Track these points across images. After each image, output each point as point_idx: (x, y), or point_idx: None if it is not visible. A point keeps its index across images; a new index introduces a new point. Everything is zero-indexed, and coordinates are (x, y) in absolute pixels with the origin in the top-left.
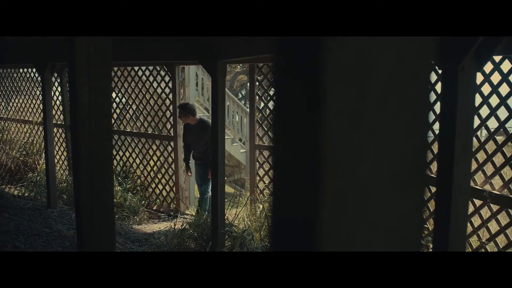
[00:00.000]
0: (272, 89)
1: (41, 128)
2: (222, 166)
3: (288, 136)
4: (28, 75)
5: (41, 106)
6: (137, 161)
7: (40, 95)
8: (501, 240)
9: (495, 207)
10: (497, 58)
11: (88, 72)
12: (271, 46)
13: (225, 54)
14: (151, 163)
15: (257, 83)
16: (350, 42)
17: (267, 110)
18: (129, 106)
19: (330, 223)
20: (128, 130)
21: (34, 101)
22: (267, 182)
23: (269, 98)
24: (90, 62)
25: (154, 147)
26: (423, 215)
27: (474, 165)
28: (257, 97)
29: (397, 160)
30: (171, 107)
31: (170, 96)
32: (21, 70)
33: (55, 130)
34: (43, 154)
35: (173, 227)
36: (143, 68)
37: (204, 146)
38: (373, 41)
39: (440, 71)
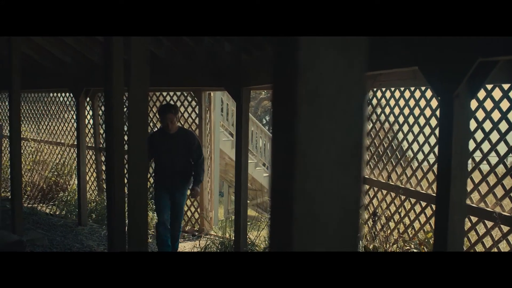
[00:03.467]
0: None
1: (72, 150)
2: (245, 187)
3: (278, 139)
4: (58, 99)
5: (71, 128)
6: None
7: (71, 118)
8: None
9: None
10: (489, 86)
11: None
12: None
13: (249, 81)
14: None
15: None
16: (311, 77)
17: None
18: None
19: (298, 192)
20: None
21: (65, 124)
22: None
23: None
24: (130, 88)
25: None
26: (360, 187)
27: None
28: None
29: (341, 149)
30: (197, 131)
31: (197, 120)
32: (51, 95)
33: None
34: (74, 174)
35: (197, 245)
36: (171, 93)
37: (185, 158)
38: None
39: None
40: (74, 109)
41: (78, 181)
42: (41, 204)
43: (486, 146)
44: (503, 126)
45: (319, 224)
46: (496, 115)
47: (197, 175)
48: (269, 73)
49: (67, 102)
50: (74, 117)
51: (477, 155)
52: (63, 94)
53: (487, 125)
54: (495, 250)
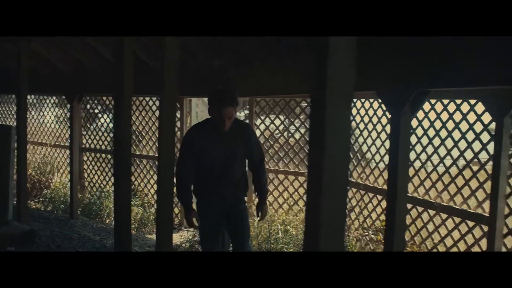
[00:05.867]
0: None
1: (53, 150)
2: None
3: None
4: (37, 102)
5: (54, 129)
6: (145, 180)
7: (53, 120)
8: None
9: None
10: (433, 101)
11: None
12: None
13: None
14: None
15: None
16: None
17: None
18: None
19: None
20: (138, 153)
21: (46, 125)
22: None
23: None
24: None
25: None
26: (347, 180)
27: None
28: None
29: (339, 153)
30: (178, 134)
31: (178, 124)
32: (32, 97)
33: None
34: (56, 173)
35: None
36: (154, 98)
37: (241, 162)
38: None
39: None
40: (56, 110)
41: (70, 179)
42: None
43: (430, 150)
44: (443, 133)
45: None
46: (438, 124)
47: (262, 185)
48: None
49: (48, 104)
50: (53, 118)
51: (423, 157)
52: (42, 97)
53: (431, 132)
54: (436, 234)
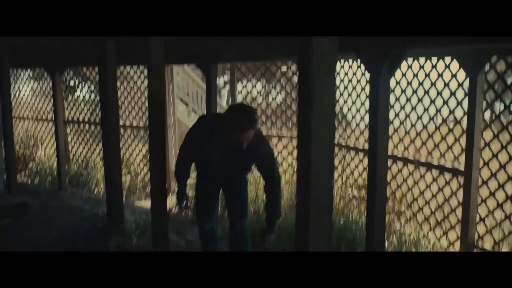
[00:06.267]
0: None
1: (36, 123)
2: None
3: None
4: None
5: (35, 103)
6: (130, 150)
7: (29, 94)
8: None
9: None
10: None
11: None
12: None
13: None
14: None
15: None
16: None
17: None
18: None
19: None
20: (121, 124)
21: (25, 99)
22: None
23: None
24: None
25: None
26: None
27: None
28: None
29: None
30: None
31: None
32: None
33: (51, 124)
34: (39, 146)
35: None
36: (135, 67)
37: (244, 174)
38: None
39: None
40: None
41: (57, 152)
42: None
43: (408, 108)
44: (420, 92)
45: None
46: (415, 84)
47: (273, 207)
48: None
49: (23, 78)
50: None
51: (402, 116)
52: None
53: (409, 92)
54: (416, 188)
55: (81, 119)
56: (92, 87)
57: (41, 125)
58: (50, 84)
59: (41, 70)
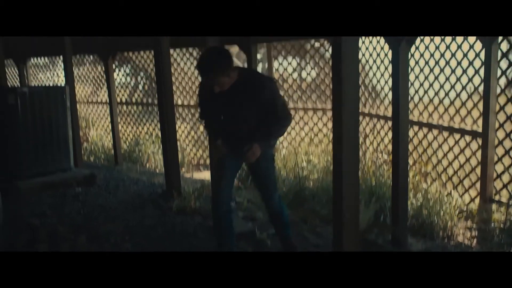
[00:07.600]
0: None
1: (86, 106)
2: None
3: None
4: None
5: (85, 87)
6: None
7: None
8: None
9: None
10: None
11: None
12: None
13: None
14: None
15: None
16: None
17: None
18: None
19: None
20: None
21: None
22: None
23: None
24: None
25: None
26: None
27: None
28: None
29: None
30: None
31: None
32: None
33: (105, 107)
34: (92, 127)
35: None
36: (178, 50)
37: (255, 119)
38: None
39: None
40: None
41: (112, 130)
42: None
43: (431, 78)
44: (442, 63)
45: None
46: (437, 55)
47: (269, 127)
48: None
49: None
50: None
51: (426, 85)
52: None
53: (432, 63)
54: (440, 151)
55: (128, 100)
56: (133, 71)
57: (91, 107)
58: (101, 69)
59: (94, 56)
